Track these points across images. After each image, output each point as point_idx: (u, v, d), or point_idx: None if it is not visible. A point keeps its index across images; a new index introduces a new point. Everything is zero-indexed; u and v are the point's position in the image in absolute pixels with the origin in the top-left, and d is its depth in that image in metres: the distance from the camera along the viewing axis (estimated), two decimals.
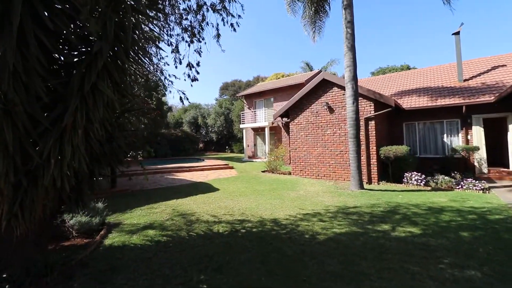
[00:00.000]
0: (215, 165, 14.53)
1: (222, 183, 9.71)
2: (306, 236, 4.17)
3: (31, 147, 2.51)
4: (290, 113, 11.66)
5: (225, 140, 31.76)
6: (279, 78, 28.30)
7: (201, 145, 35.48)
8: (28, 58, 2.14)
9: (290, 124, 11.63)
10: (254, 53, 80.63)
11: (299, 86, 17.62)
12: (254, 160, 18.87)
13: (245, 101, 22.56)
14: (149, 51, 4.97)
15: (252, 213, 5.61)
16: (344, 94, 9.90)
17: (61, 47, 2.72)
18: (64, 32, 2.53)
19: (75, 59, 2.85)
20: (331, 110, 10.28)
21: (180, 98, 4.99)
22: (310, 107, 10.94)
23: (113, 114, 3.32)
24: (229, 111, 30.65)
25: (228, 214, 5.61)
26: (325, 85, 10.51)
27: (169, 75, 5.80)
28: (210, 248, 3.77)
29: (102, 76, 2.72)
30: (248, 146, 20.94)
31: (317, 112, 10.73)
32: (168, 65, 5.34)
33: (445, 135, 11.08)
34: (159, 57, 5.43)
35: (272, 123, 18.40)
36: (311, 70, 27.82)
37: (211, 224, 4.92)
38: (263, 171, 12.90)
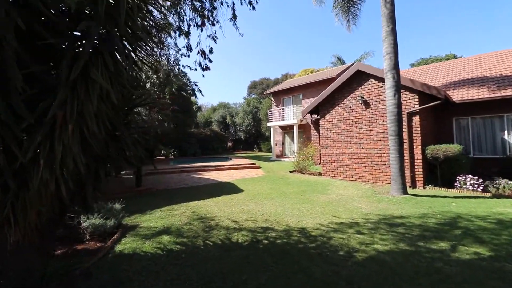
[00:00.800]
0: (241, 164, 14.12)
1: (247, 184, 9.21)
2: (340, 252, 3.46)
3: (16, 146, 2.15)
4: (320, 109, 10.80)
5: (253, 138, 31.42)
6: (308, 74, 27.17)
7: (229, 144, 35.56)
8: None
9: (320, 121, 10.78)
10: (283, 51, 79.46)
11: (329, 81, 16.54)
12: (282, 159, 18.18)
13: (272, 99, 21.93)
14: (161, 39, 4.60)
15: (277, 220, 5.00)
16: (382, 86, 8.84)
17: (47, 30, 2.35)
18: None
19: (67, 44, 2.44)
20: (366, 104, 9.26)
21: (193, 90, 4.55)
22: (342, 102, 10.00)
23: (115, 108, 2.94)
24: (257, 109, 30.21)
25: (251, 219, 5.06)
26: (359, 77, 9.50)
27: (183, 66, 5.36)
28: (225, 263, 3.25)
29: (96, 63, 2.30)
30: (276, 145, 20.29)
31: (350, 107, 9.76)
32: (186, 56, 4.92)
33: (506, 132, 9.44)
34: (171, 45, 5.03)
35: (301, 120, 17.55)
36: (342, 64, 26.28)
37: (231, 231, 4.41)
38: (291, 171, 12.18)
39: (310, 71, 27.93)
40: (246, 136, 31.57)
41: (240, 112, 32.19)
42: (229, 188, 8.44)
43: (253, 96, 37.46)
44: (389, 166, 8.56)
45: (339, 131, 10.05)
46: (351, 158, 9.64)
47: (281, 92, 20.85)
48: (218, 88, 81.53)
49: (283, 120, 19.57)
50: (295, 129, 17.63)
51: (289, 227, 4.57)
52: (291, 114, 18.73)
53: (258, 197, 7.09)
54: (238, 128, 33.21)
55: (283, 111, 19.85)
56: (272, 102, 21.91)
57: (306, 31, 72.64)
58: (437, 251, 3.49)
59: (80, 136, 2.45)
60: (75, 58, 2.18)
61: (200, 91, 4.40)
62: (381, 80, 8.84)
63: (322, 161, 10.70)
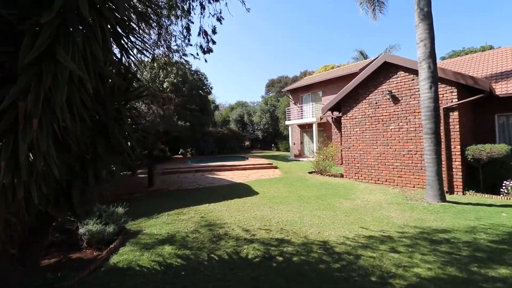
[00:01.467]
0: (258, 164, 13.58)
1: (262, 186, 8.64)
2: (372, 278, 2.81)
3: None
4: (342, 106, 9.99)
5: (271, 137, 30.79)
6: (328, 70, 26.08)
7: (247, 142, 35.18)
8: None
9: (342, 118, 9.97)
10: (301, 48, 77.91)
11: (351, 76, 15.55)
12: (300, 159, 17.43)
13: (291, 97, 21.18)
14: (159, 23, 4.13)
15: (294, 230, 4.39)
16: (413, 79, 7.92)
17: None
18: None
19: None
20: (395, 99, 8.36)
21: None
22: (367, 98, 9.14)
23: (101, 101, 2.49)
24: (275, 108, 29.53)
25: (264, 228, 4.49)
26: (387, 70, 8.61)
27: (184, 54, 4.87)
28: (230, 285, 2.71)
29: (66, 43, 1.83)
30: (294, 144, 19.55)
31: (376, 103, 8.89)
32: (187, 40, 4.41)
33: None
34: (173, 31, 4.55)
35: (321, 118, 16.70)
36: (365, 59, 24.94)
37: (241, 242, 3.87)
38: (310, 172, 11.46)
39: (330, 67, 26.81)
40: (263, 135, 31.02)
41: (257, 110, 31.68)
42: (243, 190, 7.92)
43: (270, 94, 36.81)
44: (421, 169, 7.65)
45: (364, 129, 9.21)
46: (377, 159, 8.78)
47: (299, 89, 20.06)
48: (236, 87, 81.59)
49: (301, 118, 18.80)
50: (314, 127, 16.82)
51: (308, 239, 3.95)
52: (310, 112, 17.91)
53: (273, 201, 6.50)
54: (256, 127, 32.74)
55: (301, 109, 19.07)
56: (290, 100, 21.17)
57: (325, 28, 70.69)
58: (498, 280, 2.74)
59: (53, 132, 2.01)
60: (38, 35, 1.72)
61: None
62: (412, 72, 7.92)
63: (344, 161, 9.89)
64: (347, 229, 4.39)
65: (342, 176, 10.14)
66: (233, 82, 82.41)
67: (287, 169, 12.62)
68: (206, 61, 4.37)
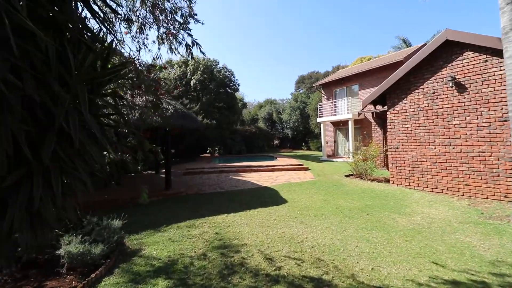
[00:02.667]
0: (287, 165, 12.38)
1: (292, 191, 7.47)
2: None
3: None
4: (388, 98, 8.41)
5: (301, 136, 29.26)
6: (364, 62, 23.87)
7: (276, 141, 34.03)
8: None
9: (388, 112, 8.40)
10: (332, 43, 74.38)
11: (395, 66, 13.65)
12: (334, 159, 15.86)
13: (323, 92, 19.55)
14: None
15: (336, 262, 3.19)
16: (486, 61, 6.19)
17: None
18: None
19: None
20: (460, 88, 6.66)
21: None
22: (421, 87, 7.50)
23: (50, 84, 1.57)
24: (305, 105, 27.94)
25: (294, 257, 3.35)
26: (448, 51, 6.91)
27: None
28: None
29: None
30: (326, 143, 17.96)
31: (434, 92, 7.22)
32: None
33: None
34: None
35: (359, 114, 14.98)
36: (408, 47, 22.33)
37: (260, 281, 2.78)
38: (347, 176, 10.00)
39: (367, 58, 24.55)
40: (293, 133, 29.59)
41: (287, 108, 30.32)
42: (270, 197, 6.81)
43: (301, 91, 35.18)
44: (498, 175, 5.93)
45: (416, 126, 7.57)
46: (435, 161, 7.12)
47: (333, 83, 18.38)
48: (265, 85, 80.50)
49: (335, 114, 17.16)
50: (350, 124, 15.13)
51: (357, 282, 2.73)
52: (345, 107, 16.22)
53: (306, 213, 5.31)
54: (285, 125, 31.43)
55: (335, 104, 17.43)
56: (323, 95, 19.55)
57: (357, 21, 66.56)
58: None
59: None
60: None
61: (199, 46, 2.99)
62: (485, 51, 6.19)
63: (391, 164, 8.31)
64: (414, 265, 3.08)
65: (387, 181, 8.57)
66: (262, 80, 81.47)
67: (320, 171, 11.26)
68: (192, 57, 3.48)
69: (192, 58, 3.88)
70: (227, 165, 13.01)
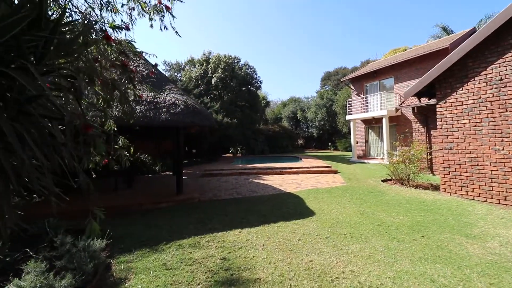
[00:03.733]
0: (313, 167, 11.21)
1: (320, 199, 6.37)
2: None
3: None
4: (437, 88, 6.98)
5: (327, 135, 27.68)
6: (399, 53, 21.77)
7: (301, 141, 32.67)
8: None
9: (438, 106, 6.97)
10: (359, 38, 70.80)
11: (438, 54, 11.91)
12: (365, 161, 14.35)
13: (352, 87, 18.00)
14: None
15: None
16: None
17: None
18: None
19: None
20: None
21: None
22: (483, 72, 6.03)
23: None
24: (332, 102, 26.34)
25: None
26: None
27: None
28: None
29: None
30: (357, 143, 16.43)
31: (501, 79, 5.74)
32: None
33: None
34: None
35: (396, 110, 13.37)
36: (449, 34, 19.94)
37: None
38: (384, 181, 8.65)
39: (402, 49, 22.40)
40: (319, 132, 28.08)
41: (312, 106, 28.88)
42: (293, 207, 5.78)
43: (327, 88, 33.44)
44: None
45: (477, 121, 6.12)
46: (502, 166, 5.64)
47: (364, 77, 16.79)
48: (289, 83, 78.70)
49: (366, 111, 15.60)
50: (385, 122, 13.56)
51: None
52: (378, 103, 14.63)
53: (339, 231, 4.22)
54: (310, 124, 30.02)
55: (366, 100, 15.85)
56: (352, 90, 18.00)
57: (384, 19, 62.53)
58: None
59: None
60: None
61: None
62: None
63: (442, 168, 6.88)
64: None
65: (436, 188, 7.15)
66: (286, 78, 79.75)
67: (350, 175, 9.98)
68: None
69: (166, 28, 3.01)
70: (248, 167, 12.14)
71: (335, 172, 10.72)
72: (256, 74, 21.83)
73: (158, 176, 11.42)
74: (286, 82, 78.48)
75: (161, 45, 62.85)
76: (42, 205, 5.58)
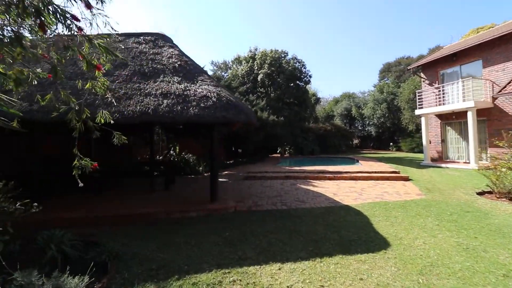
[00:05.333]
0: (376, 172, 9.26)
1: (392, 219, 4.71)
2: None
3: None
4: None
5: (388, 134, 24.43)
6: (481, 33, 17.66)
7: (355, 141, 29.68)
8: None
9: None
10: (423, 23, 62.25)
11: None
12: (442, 165, 11.63)
13: (422, 75, 15.06)
14: None
15: None
16: None
17: None
18: None
19: None
20: None
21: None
22: None
23: None
24: (394, 96, 23.05)
25: None
26: None
27: None
28: None
29: None
30: (430, 142, 13.58)
31: None
32: None
33: None
34: None
35: (494, 99, 10.48)
36: None
37: None
38: (480, 194, 6.41)
39: (488, 27, 18.17)
40: (377, 131, 24.97)
41: (369, 101, 25.84)
42: (355, 229, 4.26)
43: (387, 81, 29.69)
44: None
45: None
46: None
47: (438, 62, 13.82)
48: (341, 78, 73.69)
49: (442, 104, 12.73)
50: (471, 116, 10.72)
51: None
52: (459, 93, 11.72)
53: (439, 285, 2.64)
54: (367, 122, 26.99)
55: (442, 90, 12.95)
56: (423, 80, 15.07)
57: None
58: None
59: None
60: None
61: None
62: None
63: None
64: None
65: None
66: (338, 73, 74.89)
67: (428, 184, 7.82)
68: None
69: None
70: (296, 169, 10.75)
71: (406, 179, 8.61)
72: (305, 68, 20.13)
73: (201, 177, 10.85)
74: (339, 77, 73.61)
75: (210, 45, 64.82)
76: (53, 210, 5.17)
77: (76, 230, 4.49)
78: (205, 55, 63.25)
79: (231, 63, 23.56)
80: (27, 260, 3.42)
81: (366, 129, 28.49)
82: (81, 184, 2.42)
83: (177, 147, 13.21)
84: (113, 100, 2.83)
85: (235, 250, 3.53)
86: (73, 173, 2.36)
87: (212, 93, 5.22)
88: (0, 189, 3.29)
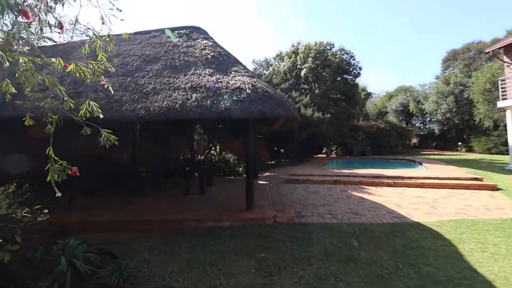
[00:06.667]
0: (449, 179, 7.51)
1: (492, 249, 3.36)
2: None
3: None
4: None
5: (456, 132, 21.05)
6: None
7: (414, 140, 26.35)
8: None
9: None
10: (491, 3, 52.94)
11: None
12: None
13: (506, 59, 12.25)
14: None
15: None
16: None
17: None
18: None
19: None
20: None
21: None
22: None
23: None
24: (464, 87, 19.67)
25: None
26: None
27: None
28: None
29: None
30: None
31: None
32: None
33: None
34: None
35: None
36: None
37: None
38: None
39: None
40: (442, 128, 21.70)
41: (431, 95, 22.61)
42: (439, 265, 3.06)
43: (453, 70, 25.70)
44: None
45: None
46: None
47: None
48: (396, 70, 67.13)
49: None
50: None
51: None
52: None
53: None
54: (428, 118, 23.72)
55: None
56: (507, 64, 12.27)
57: None
58: None
59: None
60: None
61: None
62: None
63: None
64: None
65: None
66: (392, 66, 68.38)
67: None
68: None
69: None
70: (345, 172, 9.47)
71: (493, 188, 6.76)
72: (354, 59, 18.24)
73: (240, 178, 10.26)
74: (392, 70, 67.23)
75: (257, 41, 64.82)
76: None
77: (101, 235, 4.20)
78: (249, 54, 63.25)
79: (272, 60, 22.76)
80: (44, 270, 3.09)
81: (427, 126, 25.08)
82: (58, 194, 1.87)
83: (217, 147, 12.88)
84: (110, 87, 2.17)
85: (270, 283, 2.69)
86: (48, 179, 1.80)
87: (246, 85, 4.47)
88: (11, 192, 2.99)
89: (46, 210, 2.99)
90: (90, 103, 2.01)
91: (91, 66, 2.05)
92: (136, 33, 6.91)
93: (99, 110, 2.04)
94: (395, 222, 4.59)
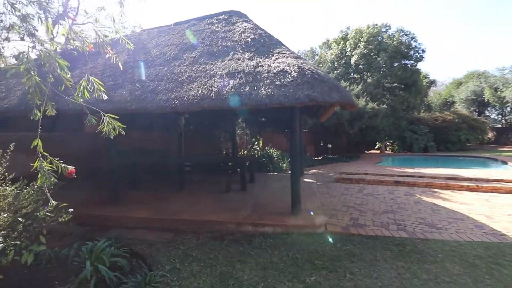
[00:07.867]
0: None
1: None
2: None
3: None
4: None
5: None
6: None
7: (489, 134, 22.39)
8: None
9: None
10: None
11: None
12: None
13: None
14: None
15: None
16: None
17: None
18: None
19: None
20: None
21: None
22: None
23: None
24: None
25: None
26: None
27: None
28: None
29: None
30: None
31: None
32: None
33: None
34: None
35: None
36: None
37: None
38: None
39: None
40: None
41: None
42: None
43: None
44: None
45: None
46: None
47: None
48: (466, 54, 58.28)
49: None
50: None
51: None
52: None
53: None
54: (510, 108, 19.86)
55: None
56: None
57: None
58: None
59: None
60: None
61: None
62: None
63: None
64: None
65: None
66: (460, 49, 59.48)
67: None
68: None
69: None
70: (408, 172, 8.10)
71: None
72: (415, 41, 15.84)
73: (285, 175, 9.57)
74: (461, 53, 58.50)
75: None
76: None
77: (138, 232, 4.00)
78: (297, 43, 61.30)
79: (318, 49, 21.30)
80: (73, 272, 2.88)
81: (506, 118, 21.08)
82: (51, 203, 1.44)
83: (260, 141, 12.34)
84: (120, 63, 1.67)
85: None
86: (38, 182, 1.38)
87: (291, 67, 3.75)
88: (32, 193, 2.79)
89: (71, 209, 2.74)
90: (90, 78, 1.54)
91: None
92: (176, 24, 6.71)
93: (102, 88, 1.57)
94: (490, 241, 3.44)
